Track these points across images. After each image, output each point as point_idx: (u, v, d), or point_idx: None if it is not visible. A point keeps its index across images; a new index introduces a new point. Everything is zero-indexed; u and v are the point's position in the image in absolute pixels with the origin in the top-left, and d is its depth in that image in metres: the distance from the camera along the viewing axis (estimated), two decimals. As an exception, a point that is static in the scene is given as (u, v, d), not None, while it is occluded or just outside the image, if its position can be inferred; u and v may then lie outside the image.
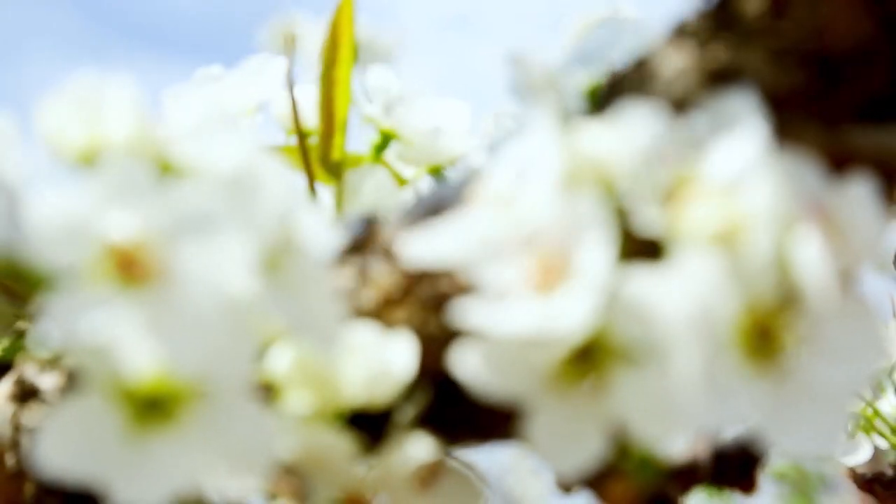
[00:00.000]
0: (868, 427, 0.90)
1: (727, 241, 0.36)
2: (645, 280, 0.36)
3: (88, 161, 0.43)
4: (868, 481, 0.94)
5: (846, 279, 0.38)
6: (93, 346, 0.37)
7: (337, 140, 0.63)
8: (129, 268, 0.36)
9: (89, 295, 0.36)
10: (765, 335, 0.36)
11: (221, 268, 0.37)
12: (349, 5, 0.61)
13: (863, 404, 0.87)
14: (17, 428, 0.46)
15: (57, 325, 0.35)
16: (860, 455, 0.92)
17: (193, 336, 0.36)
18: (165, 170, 0.42)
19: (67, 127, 0.42)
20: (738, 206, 0.37)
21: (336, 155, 0.63)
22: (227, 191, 0.39)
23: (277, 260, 0.41)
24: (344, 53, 0.61)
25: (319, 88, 0.62)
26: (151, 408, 0.38)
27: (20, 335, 0.47)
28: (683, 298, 0.35)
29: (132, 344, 0.37)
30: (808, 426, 0.36)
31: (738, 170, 0.39)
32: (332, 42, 0.61)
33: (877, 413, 0.86)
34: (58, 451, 0.37)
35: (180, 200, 0.37)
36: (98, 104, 0.42)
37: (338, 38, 0.61)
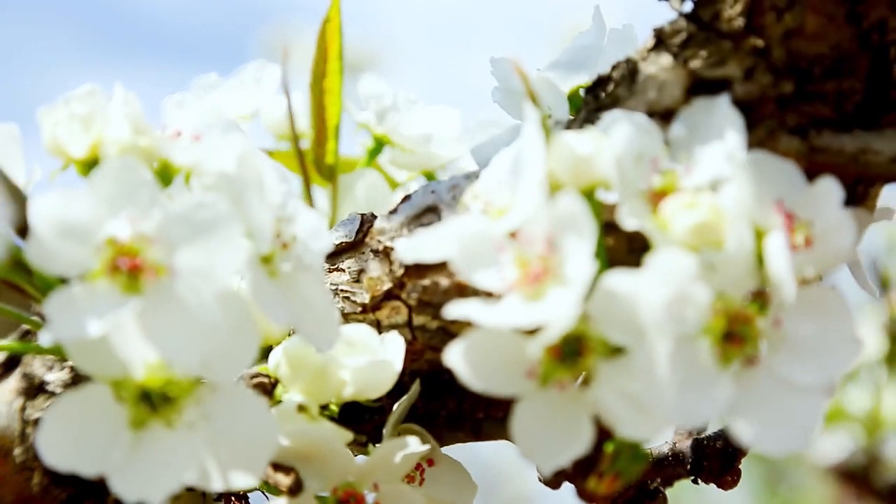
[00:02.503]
0: (844, 419, 0.91)
1: (703, 239, 0.37)
2: (624, 274, 0.37)
3: (89, 165, 0.44)
4: (848, 474, 0.95)
5: (819, 279, 0.40)
6: (95, 342, 0.38)
7: (330, 145, 0.64)
8: (131, 267, 0.37)
9: (92, 294, 0.37)
10: (738, 332, 0.37)
11: (220, 267, 0.38)
12: (337, 17, 0.62)
13: (841, 398, 0.88)
14: (24, 421, 0.47)
15: (61, 322, 0.36)
16: (839, 448, 0.93)
17: (194, 333, 0.37)
18: (165, 172, 0.43)
19: (69, 132, 0.43)
20: (715, 206, 0.38)
21: (329, 159, 0.64)
22: (226, 192, 0.40)
23: (274, 259, 0.42)
24: (333, 63, 0.62)
25: (311, 97, 0.63)
26: (153, 403, 0.39)
27: (29, 333, 0.47)
28: (660, 292, 0.36)
29: (134, 341, 0.38)
30: (781, 423, 0.37)
31: (715, 173, 0.41)
32: (322, 52, 0.63)
33: (844, 409, 0.87)
34: (59, 445, 0.38)
35: (179, 202, 0.38)
36: (98, 111, 0.43)
37: (327, 48, 0.63)
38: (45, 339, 0.36)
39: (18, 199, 0.41)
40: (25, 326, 0.47)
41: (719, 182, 0.40)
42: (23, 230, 0.40)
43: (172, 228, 0.38)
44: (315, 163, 0.65)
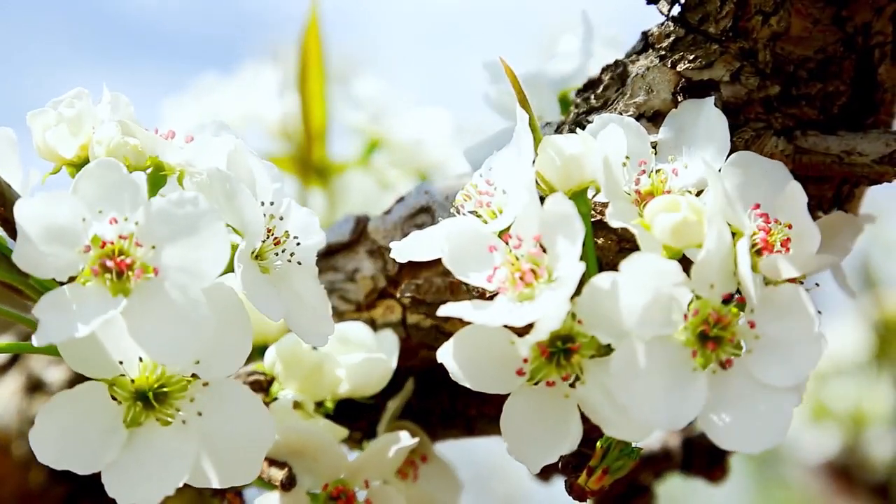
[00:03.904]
0: (831, 417, 0.91)
1: (682, 240, 0.38)
2: (610, 276, 0.38)
3: (80, 167, 0.44)
4: (835, 471, 0.96)
5: (802, 280, 0.40)
6: (88, 343, 0.38)
7: (317, 147, 0.65)
8: (120, 266, 0.37)
9: (81, 295, 0.37)
10: (715, 334, 0.37)
11: (206, 263, 0.38)
12: (316, 23, 0.63)
13: (829, 395, 0.88)
14: (24, 419, 0.47)
15: (51, 324, 0.36)
16: (827, 445, 0.94)
17: (183, 330, 0.37)
18: (158, 172, 0.43)
19: (58, 135, 0.43)
20: (695, 208, 0.38)
21: (317, 160, 0.66)
22: (218, 190, 0.40)
23: (267, 255, 0.43)
24: (314, 68, 0.63)
25: (296, 100, 0.64)
26: (148, 401, 0.39)
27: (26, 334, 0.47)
28: (636, 295, 0.37)
29: (126, 340, 0.38)
30: (753, 421, 0.37)
31: (702, 175, 0.41)
32: (304, 58, 0.64)
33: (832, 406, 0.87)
34: (53, 443, 0.38)
35: (161, 199, 0.38)
36: (86, 113, 0.43)
37: (308, 53, 0.64)
38: (36, 340, 0.36)
39: (14, 202, 0.41)
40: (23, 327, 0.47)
41: (706, 183, 0.41)
42: (15, 233, 0.41)
43: (155, 227, 0.38)
44: (305, 163, 0.66)
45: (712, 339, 0.38)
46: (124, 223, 0.38)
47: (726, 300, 0.38)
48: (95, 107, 0.43)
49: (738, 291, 0.38)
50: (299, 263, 0.43)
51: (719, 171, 0.41)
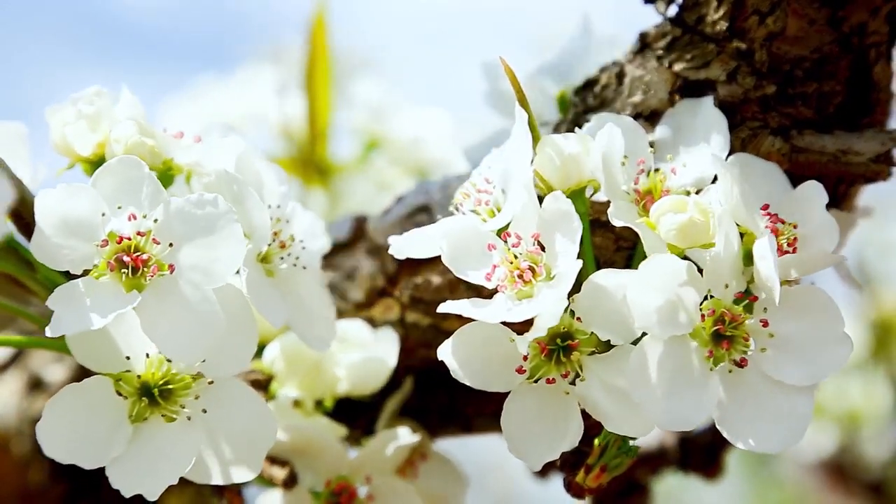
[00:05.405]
0: (828, 416, 0.91)
1: (690, 240, 0.38)
2: (612, 273, 0.38)
3: (96, 164, 0.44)
4: (831, 469, 0.96)
5: (804, 278, 0.40)
6: (98, 338, 0.38)
7: (320, 146, 0.66)
8: (136, 262, 0.38)
9: (96, 289, 0.37)
10: (727, 333, 0.38)
11: (222, 263, 0.38)
12: (323, 21, 0.64)
13: (826, 394, 0.89)
14: (24, 418, 0.47)
15: (66, 317, 0.36)
16: (824, 443, 0.94)
17: (195, 328, 0.38)
18: (168, 172, 0.43)
19: (77, 131, 0.43)
20: (702, 208, 0.38)
21: (320, 159, 0.66)
22: (226, 192, 0.41)
23: (272, 258, 0.43)
24: (321, 67, 0.64)
25: (302, 99, 0.65)
26: (153, 397, 0.39)
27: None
28: (651, 296, 0.37)
29: (135, 335, 0.38)
30: (771, 422, 0.37)
31: (700, 174, 0.42)
32: (310, 56, 0.65)
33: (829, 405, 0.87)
34: (59, 438, 0.38)
35: (181, 199, 0.38)
36: (105, 111, 0.43)
37: (315, 52, 0.64)
38: (50, 331, 0.37)
39: (24, 196, 0.42)
40: (27, 324, 0.47)
41: (704, 182, 0.41)
42: (27, 228, 0.41)
43: (174, 225, 0.38)
44: (307, 163, 0.66)
45: (727, 338, 0.38)
46: (143, 220, 0.38)
47: (738, 299, 0.38)
48: (112, 105, 0.44)
49: (746, 290, 0.38)
50: (304, 267, 0.44)
51: (720, 171, 0.41)
